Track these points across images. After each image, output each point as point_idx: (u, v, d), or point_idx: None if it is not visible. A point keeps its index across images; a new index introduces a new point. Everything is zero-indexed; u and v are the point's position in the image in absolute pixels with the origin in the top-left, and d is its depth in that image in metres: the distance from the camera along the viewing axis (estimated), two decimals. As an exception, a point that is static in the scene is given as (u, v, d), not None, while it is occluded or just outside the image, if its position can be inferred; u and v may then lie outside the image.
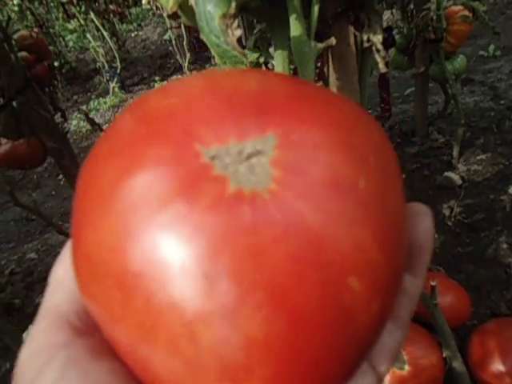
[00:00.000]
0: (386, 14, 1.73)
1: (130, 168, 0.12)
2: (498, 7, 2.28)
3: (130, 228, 0.12)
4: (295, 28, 0.34)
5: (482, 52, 1.81)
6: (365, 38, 0.35)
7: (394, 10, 1.40)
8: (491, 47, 1.80)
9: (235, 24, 0.24)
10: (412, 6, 1.13)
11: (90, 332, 0.14)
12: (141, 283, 0.11)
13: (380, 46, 0.33)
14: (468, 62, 1.25)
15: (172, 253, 0.11)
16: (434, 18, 1.04)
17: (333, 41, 0.36)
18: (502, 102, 1.43)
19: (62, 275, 0.15)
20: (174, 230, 0.11)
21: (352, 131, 0.14)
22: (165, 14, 1.82)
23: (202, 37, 0.27)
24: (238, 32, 0.24)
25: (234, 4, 0.25)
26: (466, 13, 1.07)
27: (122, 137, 0.13)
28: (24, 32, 0.92)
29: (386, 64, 0.36)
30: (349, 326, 0.12)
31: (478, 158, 1.22)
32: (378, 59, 0.34)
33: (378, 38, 0.33)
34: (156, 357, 0.12)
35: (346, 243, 0.12)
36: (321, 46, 0.35)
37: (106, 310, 0.12)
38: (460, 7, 1.10)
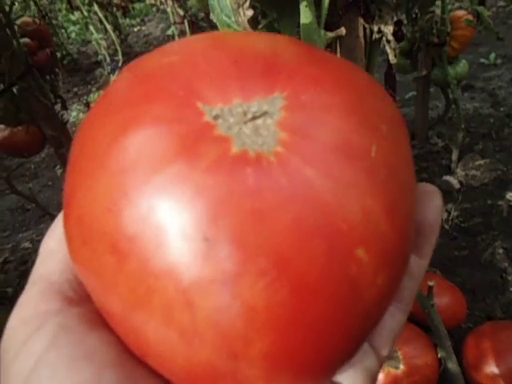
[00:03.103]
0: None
1: (127, 126, 0.11)
2: (500, 17, 2.29)
3: (126, 189, 0.11)
4: (305, 16, 0.34)
5: (482, 60, 1.82)
6: (375, 29, 0.35)
7: (398, 14, 1.40)
8: (492, 55, 1.81)
9: (247, 3, 0.24)
10: (416, 10, 1.13)
11: (82, 302, 0.13)
12: (135, 247, 0.11)
13: (391, 37, 0.33)
14: (469, 68, 1.25)
15: (170, 215, 0.10)
16: (439, 21, 1.04)
17: (343, 31, 0.36)
18: (501, 109, 1.44)
19: (54, 245, 0.15)
20: (172, 191, 0.11)
21: (364, 98, 0.13)
22: (168, 9, 1.80)
23: (212, 16, 0.26)
24: (250, 12, 0.24)
25: (247, -17, 0.24)
26: (470, 18, 1.07)
27: (119, 95, 0.13)
28: (27, 18, 0.91)
29: (395, 56, 0.35)
30: (354, 298, 0.11)
31: (477, 163, 1.22)
32: (388, 50, 0.34)
33: (388, 29, 0.33)
34: (149, 326, 0.11)
35: (354, 213, 0.11)
36: (331, 35, 0.35)
37: (97, 276, 0.12)
38: (464, 12, 1.10)
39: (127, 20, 3.57)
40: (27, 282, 0.15)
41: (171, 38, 2.50)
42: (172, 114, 0.11)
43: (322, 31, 0.35)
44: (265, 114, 0.11)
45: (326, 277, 0.11)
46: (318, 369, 0.12)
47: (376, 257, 0.11)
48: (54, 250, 0.15)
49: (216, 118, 0.11)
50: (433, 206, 0.15)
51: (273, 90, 0.12)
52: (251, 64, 0.12)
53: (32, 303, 0.13)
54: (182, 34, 2.35)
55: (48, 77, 0.97)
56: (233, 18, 0.25)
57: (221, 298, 0.10)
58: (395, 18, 0.38)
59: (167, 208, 0.11)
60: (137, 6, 3.72)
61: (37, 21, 0.90)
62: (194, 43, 0.14)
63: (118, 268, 0.11)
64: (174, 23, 2.35)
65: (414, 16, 1.13)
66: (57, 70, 1.00)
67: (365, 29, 0.40)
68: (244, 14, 0.25)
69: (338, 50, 0.40)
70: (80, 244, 0.12)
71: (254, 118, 0.11)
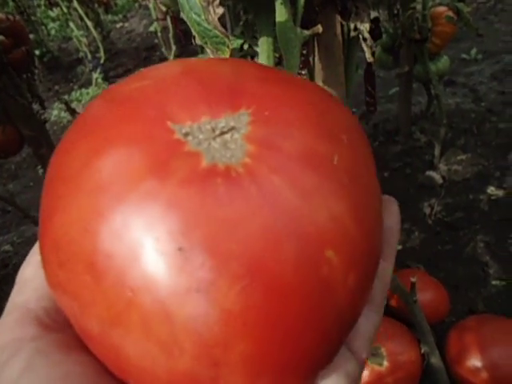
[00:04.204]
0: (372, 14, 1.74)
1: (100, 148, 0.12)
2: (480, 12, 2.32)
3: (101, 208, 0.11)
4: (280, 13, 0.33)
5: (464, 55, 1.84)
6: (352, 26, 0.34)
7: (380, 11, 1.40)
8: (473, 51, 1.83)
9: (217, 1, 0.23)
10: (398, 6, 1.13)
11: (59, 328, 0.14)
12: (112, 263, 0.11)
13: (367, 35, 0.33)
14: (450, 64, 1.26)
15: (144, 229, 0.11)
16: (420, 17, 1.04)
17: (319, 28, 0.35)
18: (482, 104, 1.46)
19: (30, 273, 0.15)
20: (146, 206, 0.11)
21: (324, 112, 0.14)
22: (150, 5, 1.77)
23: (183, 15, 0.25)
24: (220, 10, 0.23)
25: (216, -20, 0.23)
26: (451, 14, 1.08)
27: (92, 119, 0.13)
28: (0, 15, 0.88)
29: (373, 54, 0.35)
30: (327, 298, 0.12)
31: (459, 158, 1.24)
32: (365, 48, 0.33)
33: (365, 27, 0.33)
34: (129, 341, 0.11)
35: (321, 216, 0.12)
36: (307, 33, 0.34)
37: (75, 298, 0.12)
38: (445, 8, 1.11)
39: (109, 16, 3.51)
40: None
41: (154, 34, 2.47)
42: (143, 133, 0.12)
43: (298, 29, 0.34)
44: (232, 129, 0.12)
45: (297, 278, 0.11)
46: (297, 372, 0.12)
47: (345, 257, 0.12)
48: (29, 277, 0.15)
49: (186, 135, 0.12)
50: (390, 212, 0.16)
51: (239, 108, 0.13)
52: (217, 86, 0.13)
53: (8, 330, 0.13)
54: (165, 29, 2.32)
55: (25, 75, 0.95)
56: (202, 16, 0.24)
57: (197, 305, 0.10)
58: (372, 15, 0.38)
59: (142, 223, 0.11)
60: (119, 1, 3.66)
61: (11, 17, 0.87)
62: (163, 69, 0.15)
63: (95, 286, 0.11)
64: (157, 19, 2.32)
65: (395, 12, 1.14)
66: (34, 68, 0.97)
67: (343, 26, 0.39)
68: (214, 11, 0.24)
69: (316, 47, 0.40)
70: (57, 267, 0.12)
71: (222, 133, 0.12)
